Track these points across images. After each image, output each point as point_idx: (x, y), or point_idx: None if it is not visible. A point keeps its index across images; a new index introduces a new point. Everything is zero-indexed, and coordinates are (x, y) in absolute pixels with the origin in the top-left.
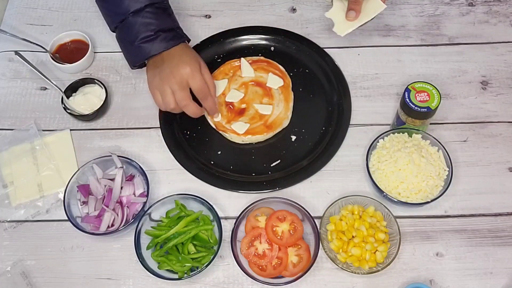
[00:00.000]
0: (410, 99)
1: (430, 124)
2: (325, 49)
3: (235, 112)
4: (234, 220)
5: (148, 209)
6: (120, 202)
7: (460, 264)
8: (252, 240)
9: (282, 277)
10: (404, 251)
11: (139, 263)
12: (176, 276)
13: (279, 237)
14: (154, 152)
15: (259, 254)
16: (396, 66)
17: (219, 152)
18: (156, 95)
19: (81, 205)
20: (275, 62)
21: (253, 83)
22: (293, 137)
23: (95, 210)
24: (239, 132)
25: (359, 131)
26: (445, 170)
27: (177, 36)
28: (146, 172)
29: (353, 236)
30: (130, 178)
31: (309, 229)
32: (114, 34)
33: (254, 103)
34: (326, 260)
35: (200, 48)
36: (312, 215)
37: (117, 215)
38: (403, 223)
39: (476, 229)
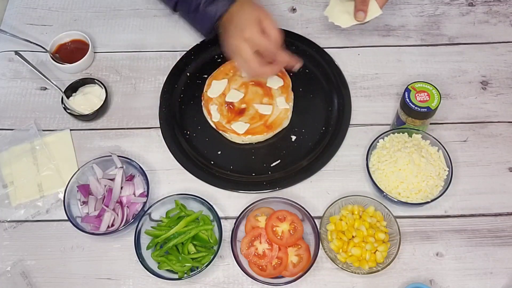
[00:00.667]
0: (410, 99)
1: (430, 124)
2: (325, 49)
3: (235, 112)
4: (234, 220)
5: (148, 209)
6: (120, 202)
7: (460, 264)
8: (252, 240)
9: (282, 277)
10: (404, 251)
11: (139, 263)
12: (176, 276)
13: (279, 237)
14: (154, 152)
15: (259, 254)
16: (396, 66)
17: (219, 152)
18: (237, 59)
19: (81, 205)
20: None
21: (253, 83)
22: (293, 137)
23: (95, 210)
24: (239, 132)
25: (359, 131)
26: (445, 170)
27: None
28: (146, 172)
29: (353, 236)
30: (130, 178)
31: (309, 229)
32: (115, 35)
33: (254, 103)
34: (326, 260)
35: (200, 48)
36: (312, 215)
37: (117, 215)
38: (403, 223)
39: (476, 229)
